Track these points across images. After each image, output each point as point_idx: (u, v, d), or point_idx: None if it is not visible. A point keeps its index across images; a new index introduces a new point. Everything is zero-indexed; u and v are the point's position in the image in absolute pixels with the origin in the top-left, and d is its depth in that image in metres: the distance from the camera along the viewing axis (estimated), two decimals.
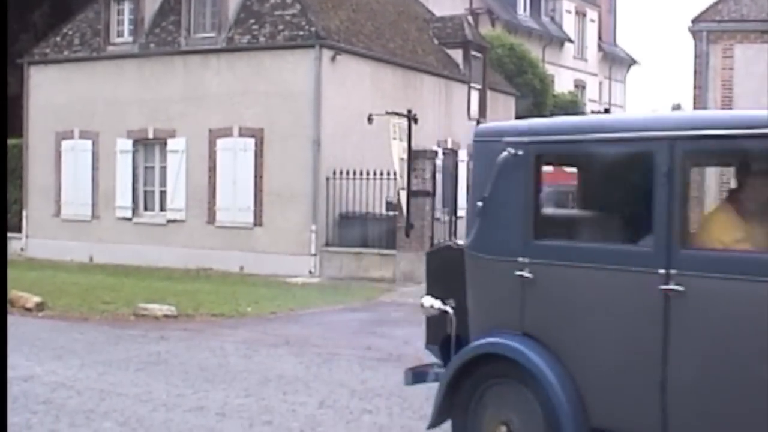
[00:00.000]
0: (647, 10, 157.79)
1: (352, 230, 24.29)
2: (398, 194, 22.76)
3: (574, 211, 8.65)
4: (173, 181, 26.37)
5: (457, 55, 31.84)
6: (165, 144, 26.64)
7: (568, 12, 53.49)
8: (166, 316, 16.64)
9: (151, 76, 26.96)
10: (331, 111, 24.42)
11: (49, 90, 28.81)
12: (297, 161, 24.34)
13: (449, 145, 30.33)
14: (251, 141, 25.01)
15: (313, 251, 24.05)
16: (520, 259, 6.60)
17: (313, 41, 24.31)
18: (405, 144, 22.84)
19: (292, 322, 16.68)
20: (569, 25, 53.43)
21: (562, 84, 49.35)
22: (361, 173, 23.75)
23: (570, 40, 52.94)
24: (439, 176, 25.10)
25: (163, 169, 26.82)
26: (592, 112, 26.97)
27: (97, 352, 12.96)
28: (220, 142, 25.56)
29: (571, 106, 45.07)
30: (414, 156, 23.17)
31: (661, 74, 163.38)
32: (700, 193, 20.77)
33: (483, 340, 6.84)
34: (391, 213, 23.70)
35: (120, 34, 27.89)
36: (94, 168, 27.87)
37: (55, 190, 28.56)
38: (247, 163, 25.04)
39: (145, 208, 27.28)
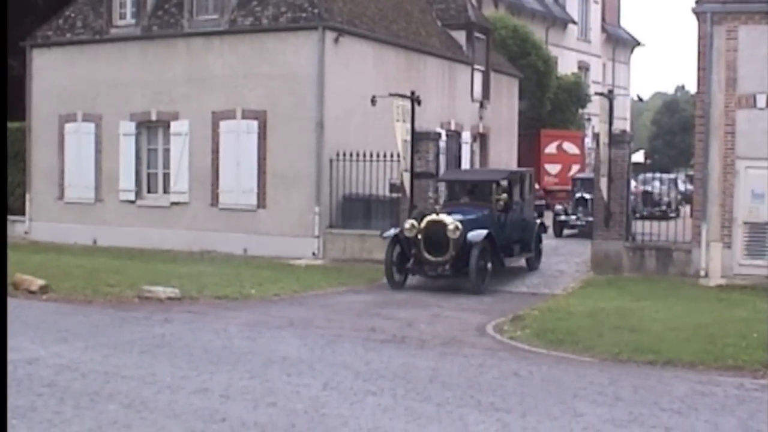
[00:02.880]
0: None
1: (356, 212, 24.28)
2: (402, 176, 22.71)
3: None
4: (176, 163, 26.36)
5: (460, 36, 31.78)
6: (168, 126, 26.61)
7: None
8: (170, 298, 16.67)
9: (153, 58, 26.91)
10: (335, 93, 24.38)
11: (51, 73, 28.77)
12: (300, 143, 24.32)
13: (452, 127, 30.29)
14: (254, 123, 24.98)
15: (316, 233, 24.05)
16: None
17: (316, 23, 24.25)
18: (408, 126, 22.77)
19: (296, 304, 16.71)
20: (573, 6, 53.24)
21: (566, 65, 49.21)
22: (364, 155, 23.72)
23: (574, 22, 52.76)
24: (442, 158, 25.04)
25: (167, 151, 26.80)
26: (596, 93, 26.81)
27: (101, 335, 12.99)
28: (223, 125, 25.53)
29: (575, 87, 44.98)
30: (417, 138, 23.10)
31: (665, 56, 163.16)
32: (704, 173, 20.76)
33: None
34: (394, 195, 23.65)
35: (122, 16, 27.83)
36: (98, 151, 27.85)
37: (58, 173, 28.56)
38: (251, 145, 25.02)
39: (149, 191, 27.28)
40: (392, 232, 20.20)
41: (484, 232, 19.39)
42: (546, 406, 9.29)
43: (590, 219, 28.65)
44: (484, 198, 21.43)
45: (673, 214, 33.60)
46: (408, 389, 9.86)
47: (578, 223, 29.81)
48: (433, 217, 19.47)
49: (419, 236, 19.33)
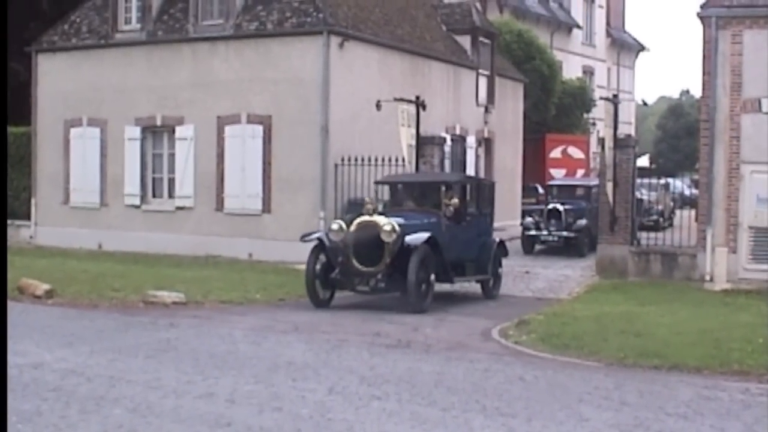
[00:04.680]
0: None
1: None
2: None
3: None
4: (182, 168, 26.38)
5: (465, 41, 31.78)
6: (173, 131, 26.64)
7: None
8: (175, 303, 16.68)
9: (159, 63, 26.95)
10: (340, 98, 24.39)
11: (57, 78, 28.81)
12: (305, 148, 24.32)
13: (458, 132, 30.28)
14: (259, 128, 25.01)
15: None
16: None
17: (321, 28, 24.27)
18: (413, 130, 22.80)
19: (301, 309, 16.70)
20: (577, 10, 53.23)
21: (571, 70, 49.18)
22: (369, 160, 23.72)
23: (578, 26, 52.73)
24: (447, 162, 25.03)
25: (172, 156, 26.83)
26: (601, 98, 26.74)
27: (106, 339, 12.99)
28: (229, 129, 25.56)
29: (580, 92, 44.96)
30: (422, 142, 23.14)
31: (670, 60, 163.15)
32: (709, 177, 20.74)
33: None
34: None
35: (128, 21, 27.86)
36: (103, 155, 27.89)
37: (63, 177, 28.59)
38: (256, 149, 25.03)
39: (154, 196, 27.30)
40: (314, 235, 17.51)
41: (426, 235, 16.68)
42: (551, 411, 9.28)
43: (564, 234, 26.00)
44: (432, 204, 18.58)
45: (666, 224, 31.71)
46: (413, 394, 9.85)
47: (549, 238, 26.43)
48: (365, 218, 16.81)
49: (348, 242, 16.65)
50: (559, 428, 8.68)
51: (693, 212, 22.62)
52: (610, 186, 21.61)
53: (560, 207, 26.43)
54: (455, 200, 18.43)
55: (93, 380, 10.21)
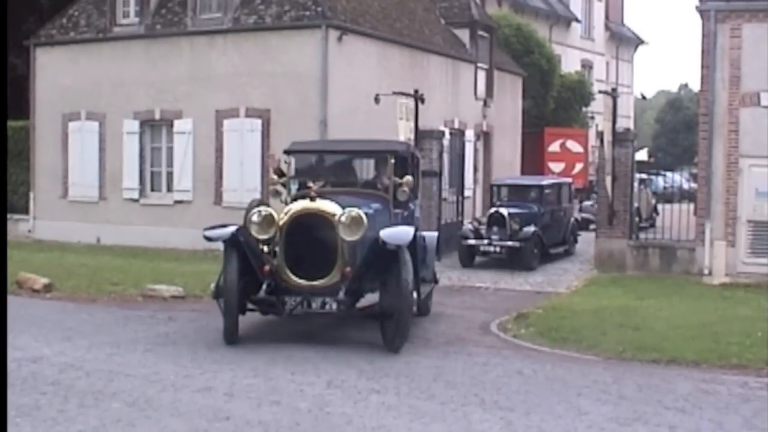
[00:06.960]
0: None
1: None
2: None
3: None
4: (180, 162, 26.36)
5: (463, 35, 31.76)
6: (172, 125, 26.61)
7: None
8: (173, 297, 16.67)
9: (157, 57, 26.91)
10: (338, 91, 24.37)
11: (55, 72, 28.76)
12: None
13: (456, 125, 30.27)
14: (258, 121, 24.98)
15: None
16: None
17: (319, 21, 24.24)
18: (412, 124, 22.77)
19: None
20: (576, 4, 53.19)
21: (569, 64, 49.16)
22: None
23: (577, 20, 52.69)
24: (446, 156, 24.99)
25: (170, 150, 26.80)
26: (600, 92, 26.65)
27: (105, 333, 12.99)
28: (227, 123, 25.54)
29: (578, 86, 44.95)
30: (421, 136, 23.10)
31: (669, 54, 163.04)
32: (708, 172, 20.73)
33: None
34: None
35: (126, 15, 27.81)
36: (101, 149, 27.85)
37: (62, 171, 28.55)
38: (254, 143, 25.02)
39: (152, 189, 27.29)
40: (224, 230, 11.89)
41: (410, 230, 11.62)
42: (550, 405, 9.28)
43: (508, 244, 22.10)
44: (362, 183, 14.01)
45: (645, 224, 29.16)
46: (412, 388, 9.85)
47: (490, 248, 22.31)
48: (306, 204, 11.70)
49: (278, 240, 11.77)
50: (558, 422, 8.68)
51: (692, 206, 22.55)
52: (608, 180, 21.60)
53: (504, 211, 22.53)
54: (409, 178, 13.34)
55: (91, 374, 10.21)
